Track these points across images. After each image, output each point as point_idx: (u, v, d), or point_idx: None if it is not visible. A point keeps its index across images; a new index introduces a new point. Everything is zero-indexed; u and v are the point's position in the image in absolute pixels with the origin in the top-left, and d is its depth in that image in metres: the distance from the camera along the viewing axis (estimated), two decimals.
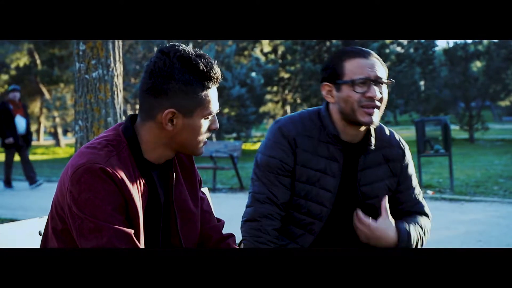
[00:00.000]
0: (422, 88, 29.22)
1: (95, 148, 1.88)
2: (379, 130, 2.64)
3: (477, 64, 36.65)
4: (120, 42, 4.37)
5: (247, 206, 2.57)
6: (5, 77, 32.11)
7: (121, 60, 4.39)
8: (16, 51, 28.98)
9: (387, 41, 24.40)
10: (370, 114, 2.46)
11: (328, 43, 24.33)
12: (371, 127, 2.57)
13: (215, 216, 2.37)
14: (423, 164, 11.99)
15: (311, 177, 2.54)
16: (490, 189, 10.30)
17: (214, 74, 1.93)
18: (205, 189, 2.81)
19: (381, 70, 2.48)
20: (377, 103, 2.46)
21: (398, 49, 25.59)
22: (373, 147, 2.58)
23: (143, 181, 1.93)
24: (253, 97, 21.69)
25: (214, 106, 1.96)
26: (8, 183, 12.97)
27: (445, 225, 7.53)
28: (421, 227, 2.59)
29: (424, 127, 10.75)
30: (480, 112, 25.31)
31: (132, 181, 1.88)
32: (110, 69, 4.29)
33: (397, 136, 2.72)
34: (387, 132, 2.69)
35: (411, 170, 2.71)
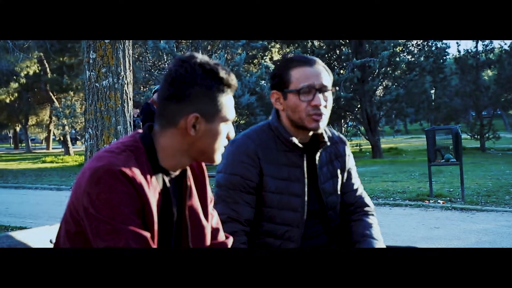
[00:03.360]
0: (433, 97, 29.19)
1: (114, 152, 1.88)
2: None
3: (488, 73, 36.60)
4: (130, 50, 4.36)
5: None
6: (15, 85, 32.31)
7: (131, 68, 4.38)
8: (26, 59, 29.16)
9: (398, 49, 24.39)
10: (317, 121, 2.54)
11: (337, 52, 24.35)
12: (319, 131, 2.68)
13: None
14: (433, 173, 11.94)
15: (279, 186, 2.58)
16: (502, 198, 10.23)
17: (232, 80, 1.95)
18: None
19: (326, 78, 2.55)
20: (323, 110, 2.54)
21: (409, 57, 25.56)
22: (328, 143, 2.68)
23: (158, 189, 1.93)
24: (262, 105, 21.68)
25: (233, 112, 1.99)
26: None
27: (456, 234, 7.49)
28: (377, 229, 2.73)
29: (435, 136, 10.71)
30: (491, 121, 25.25)
31: (149, 186, 1.87)
32: (120, 78, 4.29)
33: (336, 133, 2.85)
34: (328, 131, 2.79)
35: (353, 162, 2.88)
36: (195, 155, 1.98)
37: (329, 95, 2.57)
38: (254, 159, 2.57)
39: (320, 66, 2.56)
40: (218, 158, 2.01)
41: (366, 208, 2.80)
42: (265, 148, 2.60)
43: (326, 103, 2.55)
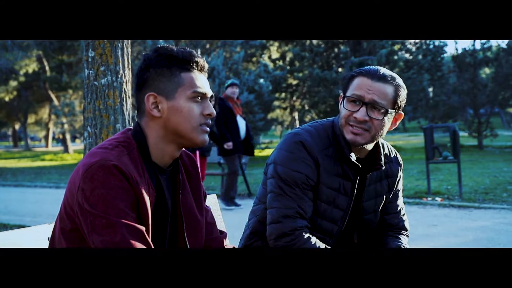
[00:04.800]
0: (431, 94, 29.17)
1: (107, 148, 1.90)
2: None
3: (486, 71, 36.59)
4: (129, 49, 4.38)
5: (272, 222, 2.47)
6: (14, 83, 32.27)
7: (130, 66, 4.40)
8: (25, 57, 29.10)
9: (396, 48, 24.38)
10: (355, 134, 2.43)
11: (336, 50, 24.33)
12: (380, 145, 2.60)
13: (223, 222, 2.34)
14: (431, 170, 11.95)
15: (329, 196, 2.53)
16: (499, 196, 10.25)
17: (192, 58, 1.99)
18: (213, 196, 2.81)
19: (384, 96, 2.41)
20: (364, 125, 2.42)
21: (407, 55, 25.56)
22: (383, 166, 2.59)
23: (151, 184, 1.94)
24: (261, 103, 21.67)
25: (199, 87, 1.98)
26: (232, 200, 10.26)
27: (453, 232, 7.51)
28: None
29: (433, 133, 10.72)
30: (489, 118, 25.22)
31: (142, 181, 1.89)
32: (119, 76, 4.29)
33: (393, 151, 2.76)
34: (386, 148, 2.71)
35: (401, 184, 2.78)
36: (174, 139, 1.98)
37: (382, 115, 2.42)
38: (316, 163, 2.48)
39: (385, 84, 2.42)
40: (200, 138, 2.00)
41: (404, 232, 2.79)
42: (324, 156, 2.50)
43: (371, 120, 2.41)
